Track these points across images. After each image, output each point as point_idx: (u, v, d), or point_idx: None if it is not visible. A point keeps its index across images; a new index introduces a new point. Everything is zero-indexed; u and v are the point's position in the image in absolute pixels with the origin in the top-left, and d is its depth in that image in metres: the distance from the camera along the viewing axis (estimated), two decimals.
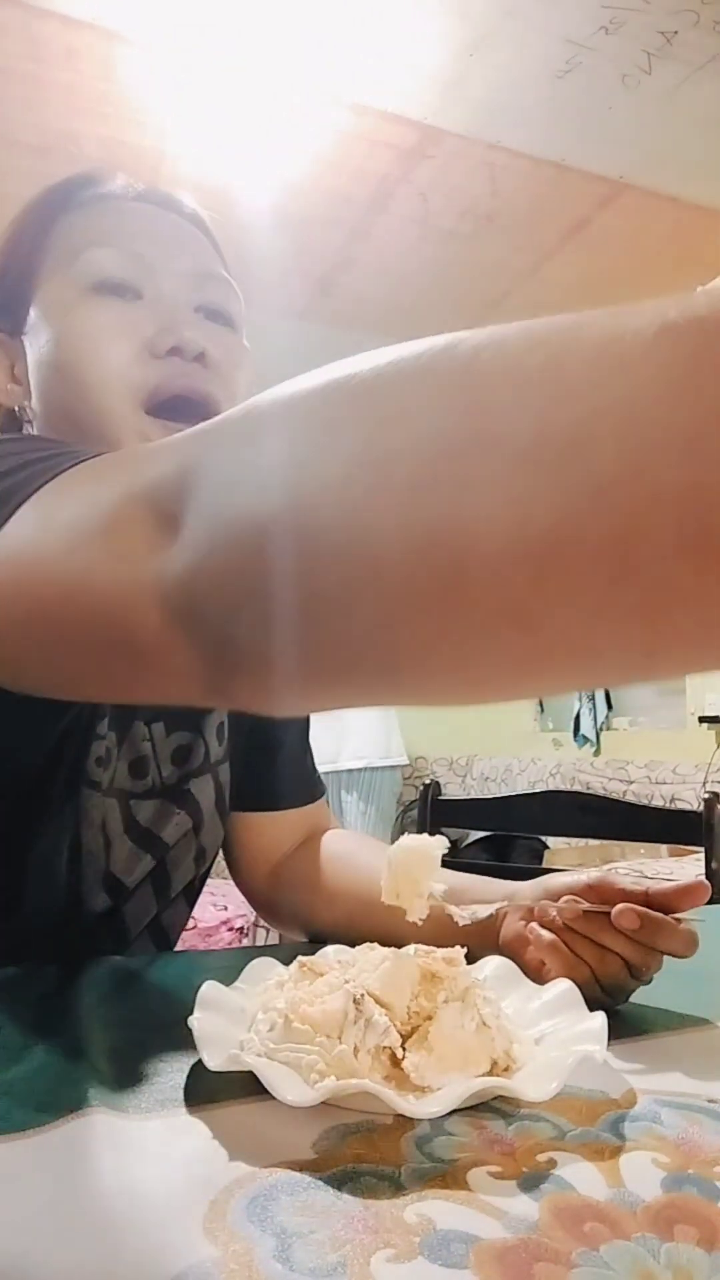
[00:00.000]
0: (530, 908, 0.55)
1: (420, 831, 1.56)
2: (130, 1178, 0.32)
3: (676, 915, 0.51)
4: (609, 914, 0.51)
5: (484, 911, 0.54)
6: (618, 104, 2.34)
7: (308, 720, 0.83)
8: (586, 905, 0.52)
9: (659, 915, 0.50)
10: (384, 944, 0.47)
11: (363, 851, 0.75)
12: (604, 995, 0.52)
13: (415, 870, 0.46)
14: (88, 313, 0.57)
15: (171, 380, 0.57)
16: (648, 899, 0.51)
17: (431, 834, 1.58)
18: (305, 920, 0.75)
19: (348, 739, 3.05)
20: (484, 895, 0.60)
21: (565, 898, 0.54)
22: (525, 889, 0.58)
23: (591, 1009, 0.46)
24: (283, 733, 0.80)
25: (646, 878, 0.55)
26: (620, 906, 0.50)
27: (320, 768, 0.86)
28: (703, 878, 0.50)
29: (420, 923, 0.47)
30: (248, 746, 0.77)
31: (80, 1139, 0.34)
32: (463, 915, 0.52)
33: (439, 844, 0.47)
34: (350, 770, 3.05)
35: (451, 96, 2.33)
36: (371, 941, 0.49)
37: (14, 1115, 0.36)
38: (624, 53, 2.17)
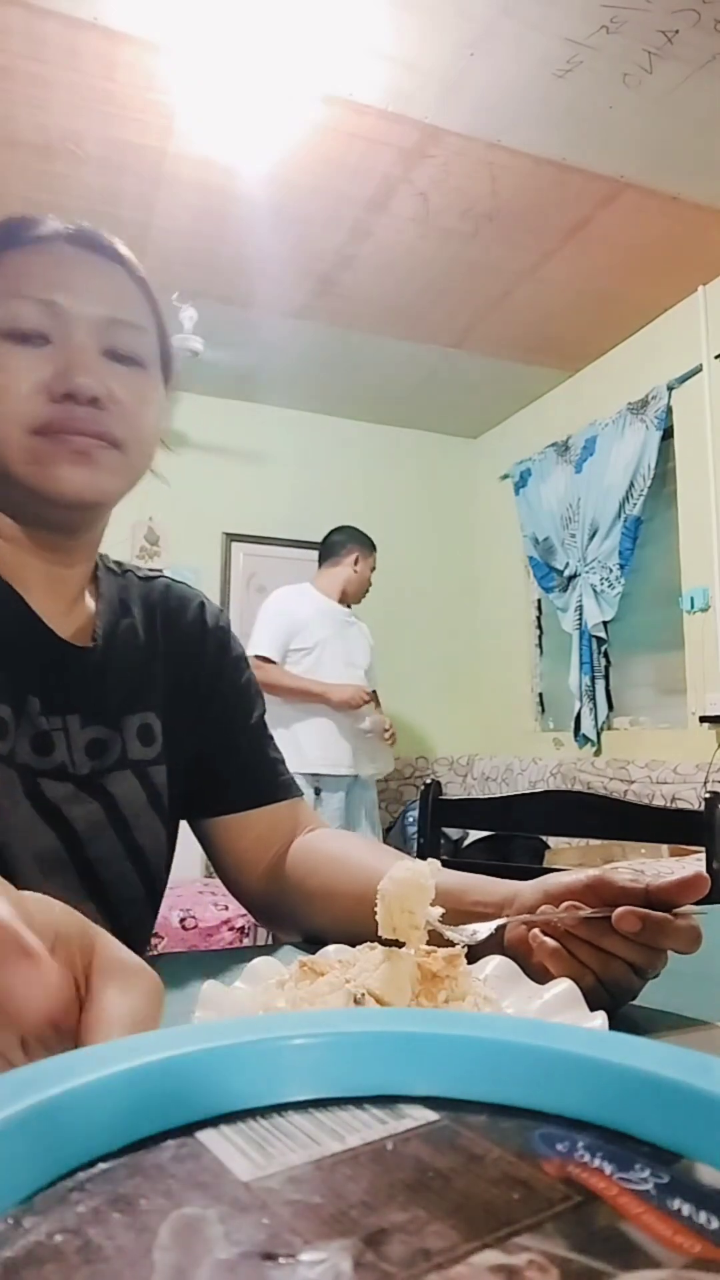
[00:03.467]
0: (532, 915, 0.55)
1: (421, 831, 1.56)
2: None
3: (678, 910, 0.51)
4: (610, 918, 0.50)
5: (484, 932, 0.53)
6: (618, 104, 2.34)
7: (263, 722, 0.84)
8: (587, 911, 0.52)
9: (660, 914, 0.50)
10: (383, 943, 0.47)
11: (358, 848, 0.75)
12: (610, 998, 0.52)
13: (409, 902, 0.45)
14: None
15: (62, 420, 0.64)
16: (648, 896, 0.51)
17: (432, 832, 1.56)
18: (303, 921, 0.75)
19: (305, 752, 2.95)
20: (485, 895, 0.60)
21: (565, 903, 0.54)
22: (526, 890, 0.58)
23: (596, 1010, 0.46)
24: (237, 735, 0.81)
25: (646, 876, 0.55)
26: (621, 910, 0.50)
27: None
28: (702, 870, 0.50)
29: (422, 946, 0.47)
30: (200, 752, 0.79)
31: None
32: (461, 938, 0.52)
33: (431, 871, 0.46)
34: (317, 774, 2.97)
35: (451, 96, 2.33)
36: (371, 940, 0.48)
37: None
38: (624, 52, 2.17)
